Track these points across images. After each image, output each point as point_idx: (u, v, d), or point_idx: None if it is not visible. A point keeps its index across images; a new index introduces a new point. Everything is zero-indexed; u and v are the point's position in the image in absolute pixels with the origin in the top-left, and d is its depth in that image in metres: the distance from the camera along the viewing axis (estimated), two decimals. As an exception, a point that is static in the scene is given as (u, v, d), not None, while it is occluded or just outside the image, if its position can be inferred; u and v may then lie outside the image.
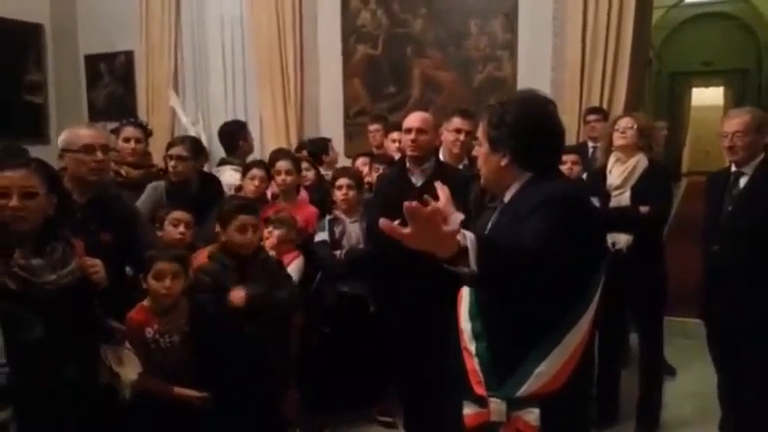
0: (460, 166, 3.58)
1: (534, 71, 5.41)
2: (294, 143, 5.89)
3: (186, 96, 6.65)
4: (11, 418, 1.63)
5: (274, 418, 2.78)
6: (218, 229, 2.71)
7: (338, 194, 3.63)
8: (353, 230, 3.59)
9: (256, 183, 3.75)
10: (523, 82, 5.48)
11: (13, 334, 1.66)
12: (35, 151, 5.43)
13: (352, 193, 3.61)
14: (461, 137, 3.57)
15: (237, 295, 2.53)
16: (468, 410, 1.70)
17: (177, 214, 3.02)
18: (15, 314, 1.70)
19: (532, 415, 1.60)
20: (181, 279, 2.49)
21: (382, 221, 1.23)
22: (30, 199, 1.99)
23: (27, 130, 6.80)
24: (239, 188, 3.96)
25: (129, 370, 2.25)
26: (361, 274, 3.47)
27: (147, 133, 4.06)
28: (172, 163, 3.60)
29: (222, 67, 6.56)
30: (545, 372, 1.60)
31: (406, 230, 1.22)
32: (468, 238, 1.32)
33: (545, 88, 5.21)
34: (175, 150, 3.62)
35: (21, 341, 1.67)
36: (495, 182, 1.80)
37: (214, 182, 3.97)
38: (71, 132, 2.61)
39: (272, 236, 3.19)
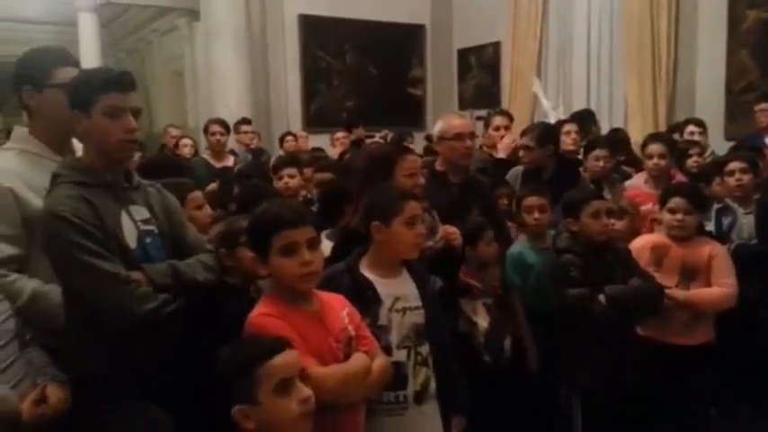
0: None
1: None
2: (663, 125, 5.42)
3: (548, 81, 6.72)
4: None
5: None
6: (567, 219, 2.68)
7: (730, 181, 3.20)
8: (746, 223, 3.10)
9: (601, 164, 3.65)
10: None
11: (424, 287, 1.97)
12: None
13: (746, 178, 3.13)
14: None
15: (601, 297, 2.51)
16: None
17: (530, 200, 2.98)
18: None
19: None
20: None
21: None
22: None
23: (408, 118, 7.83)
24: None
25: (482, 320, 2.52)
26: (750, 273, 2.97)
27: (512, 119, 4.30)
28: (521, 152, 3.68)
29: (587, 49, 6.42)
30: None
31: None
32: None
33: None
34: (523, 140, 3.69)
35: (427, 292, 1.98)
36: None
37: (572, 163, 3.93)
38: (445, 122, 2.88)
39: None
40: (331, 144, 6.03)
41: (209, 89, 7.13)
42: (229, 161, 5.00)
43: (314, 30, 7.43)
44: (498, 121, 4.15)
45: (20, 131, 2.00)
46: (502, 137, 4.05)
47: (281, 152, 5.85)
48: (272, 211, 1.63)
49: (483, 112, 4.66)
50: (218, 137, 4.98)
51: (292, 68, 7.40)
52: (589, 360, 2.55)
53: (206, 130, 5.08)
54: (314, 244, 1.63)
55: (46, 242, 1.67)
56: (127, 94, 1.72)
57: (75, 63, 2.02)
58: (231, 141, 5.40)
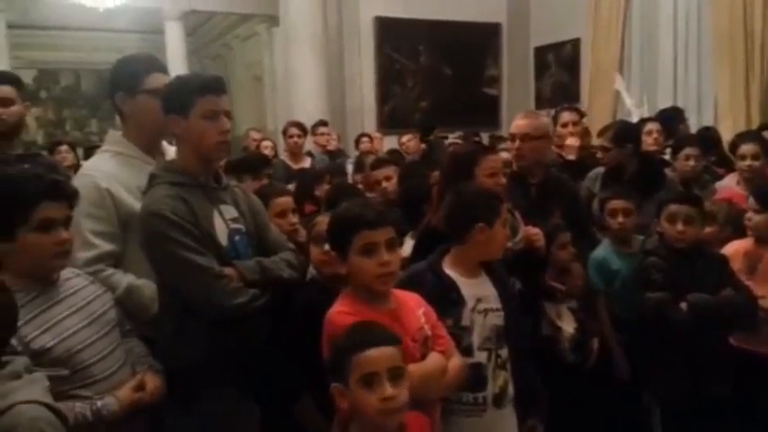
0: None
1: None
2: (756, 125, 5.09)
3: (631, 78, 6.46)
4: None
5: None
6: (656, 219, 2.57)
7: None
8: None
9: (691, 163, 3.49)
10: None
11: (504, 289, 1.97)
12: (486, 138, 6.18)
13: None
14: None
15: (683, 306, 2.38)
16: None
17: (614, 203, 2.81)
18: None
19: None
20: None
21: None
22: None
23: (483, 118, 7.74)
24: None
25: (567, 324, 2.45)
26: None
27: (582, 115, 4.16)
28: (598, 153, 3.59)
29: (673, 45, 6.11)
30: None
31: None
32: None
33: None
34: (600, 140, 3.59)
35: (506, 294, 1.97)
36: None
37: (656, 162, 3.76)
38: (513, 123, 2.84)
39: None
40: (399, 146, 6.06)
41: (287, 92, 7.32)
42: (306, 162, 5.12)
43: (389, 31, 7.47)
44: (566, 117, 3.96)
45: (113, 135, 2.13)
46: (571, 134, 3.89)
47: (356, 153, 5.93)
48: (353, 211, 1.65)
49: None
50: (295, 139, 5.12)
51: (367, 70, 7.47)
52: (670, 368, 2.43)
53: (284, 133, 5.23)
54: (393, 245, 1.63)
55: (145, 238, 1.77)
56: (221, 97, 1.81)
57: (165, 69, 2.13)
58: (309, 143, 5.53)
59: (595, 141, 4.13)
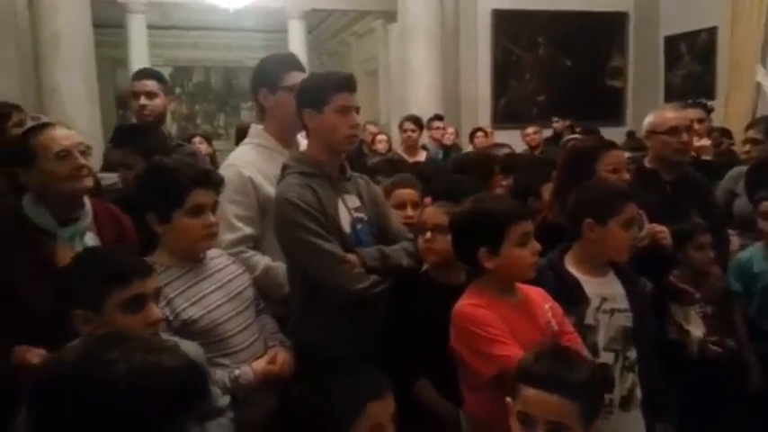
0: None
1: None
2: None
3: (775, 70, 5.91)
4: None
5: None
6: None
7: None
8: None
9: None
10: None
11: (632, 289, 1.90)
12: (609, 132, 5.89)
13: None
14: None
15: None
16: None
17: (766, 205, 2.62)
18: None
19: None
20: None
21: None
22: None
23: (605, 112, 7.41)
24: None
25: (695, 328, 2.32)
26: None
27: (709, 111, 3.96)
28: (746, 147, 3.32)
29: (826, 30, 5.53)
30: None
31: None
32: None
33: None
34: (750, 133, 3.31)
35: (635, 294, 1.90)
36: None
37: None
38: (658, 115, 2.66)
39: None
40: (522, 139, 5.94)
41: (401, 87, 7.40)
42: (422, 156, 5.16)
43: (506, 24, 7.34)
44: (691, 114, 3.67)
45: (255, 128, 2.28)
46: (697, 132, 3.62)
47: (470, 148, 5.89)
48: (505, 205, 1.69)
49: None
50: (409, 133, 5.20)
51: (483, 64, 7.39)
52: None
53: (400, 127, 5.31)
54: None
55: (277, 224, 1.89)
56: (353, 94, 1.90)
57: (302, 68, 2.25)
58: (424, 137, 5.57)
59: (739, 135, 3.86)
